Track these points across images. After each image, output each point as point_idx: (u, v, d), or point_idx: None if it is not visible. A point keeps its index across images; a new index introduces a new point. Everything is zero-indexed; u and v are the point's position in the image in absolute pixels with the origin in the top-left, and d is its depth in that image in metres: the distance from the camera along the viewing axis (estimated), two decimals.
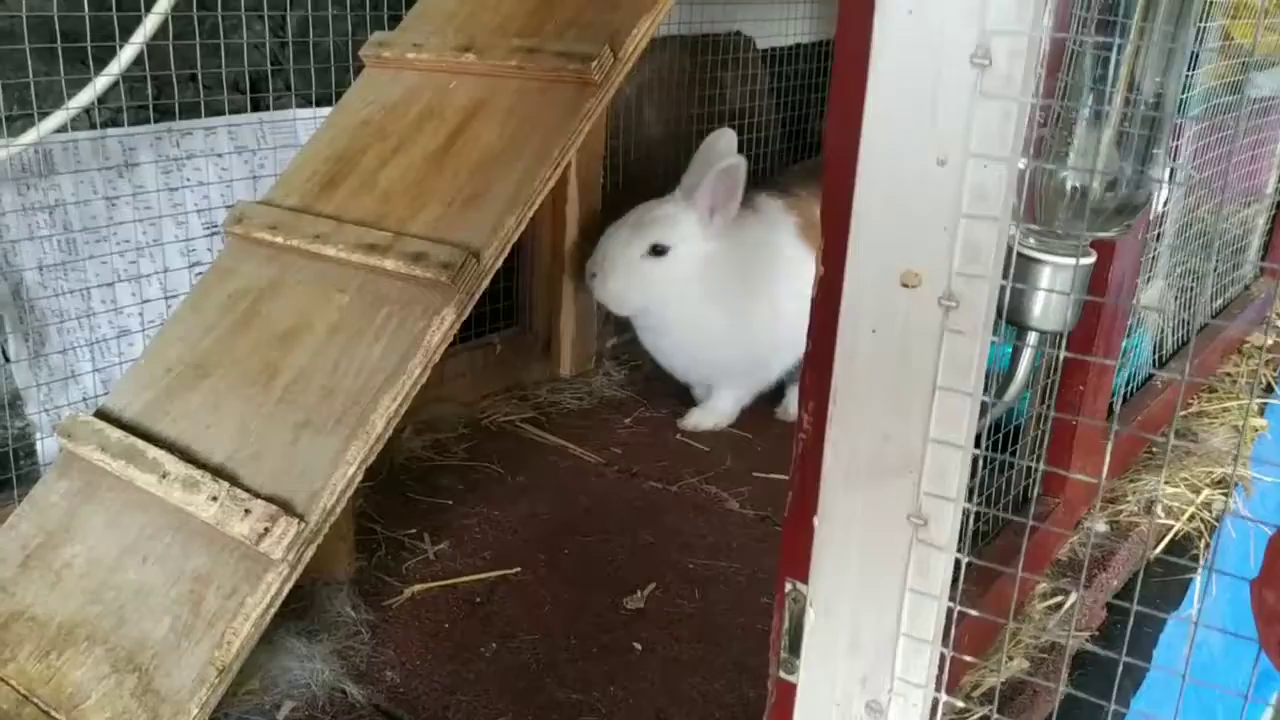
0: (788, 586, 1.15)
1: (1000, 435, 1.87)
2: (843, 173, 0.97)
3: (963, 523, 1.00)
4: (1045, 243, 1.39)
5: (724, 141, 2.51)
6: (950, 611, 1.05)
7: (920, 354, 0.97)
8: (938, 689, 1.06)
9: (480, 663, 1.69)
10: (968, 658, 1.06)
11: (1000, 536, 1.81)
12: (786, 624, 1.16)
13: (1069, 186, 1.29)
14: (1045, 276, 1.39)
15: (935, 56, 0.90)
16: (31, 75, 1.94)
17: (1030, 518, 1.84)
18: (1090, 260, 1.40)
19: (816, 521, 1.07)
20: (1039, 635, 1.87)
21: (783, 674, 1.18)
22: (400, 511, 2.12)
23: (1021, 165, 0.89)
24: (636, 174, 3.02)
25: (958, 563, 1.04)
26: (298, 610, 1.73)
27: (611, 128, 2.91)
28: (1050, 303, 1.42)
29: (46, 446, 2.13)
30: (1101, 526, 2.21)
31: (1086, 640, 1.98)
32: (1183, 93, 1.87)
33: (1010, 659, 1.80)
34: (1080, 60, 1.19)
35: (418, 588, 1.88)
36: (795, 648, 1.16)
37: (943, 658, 1.05)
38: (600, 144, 2.78)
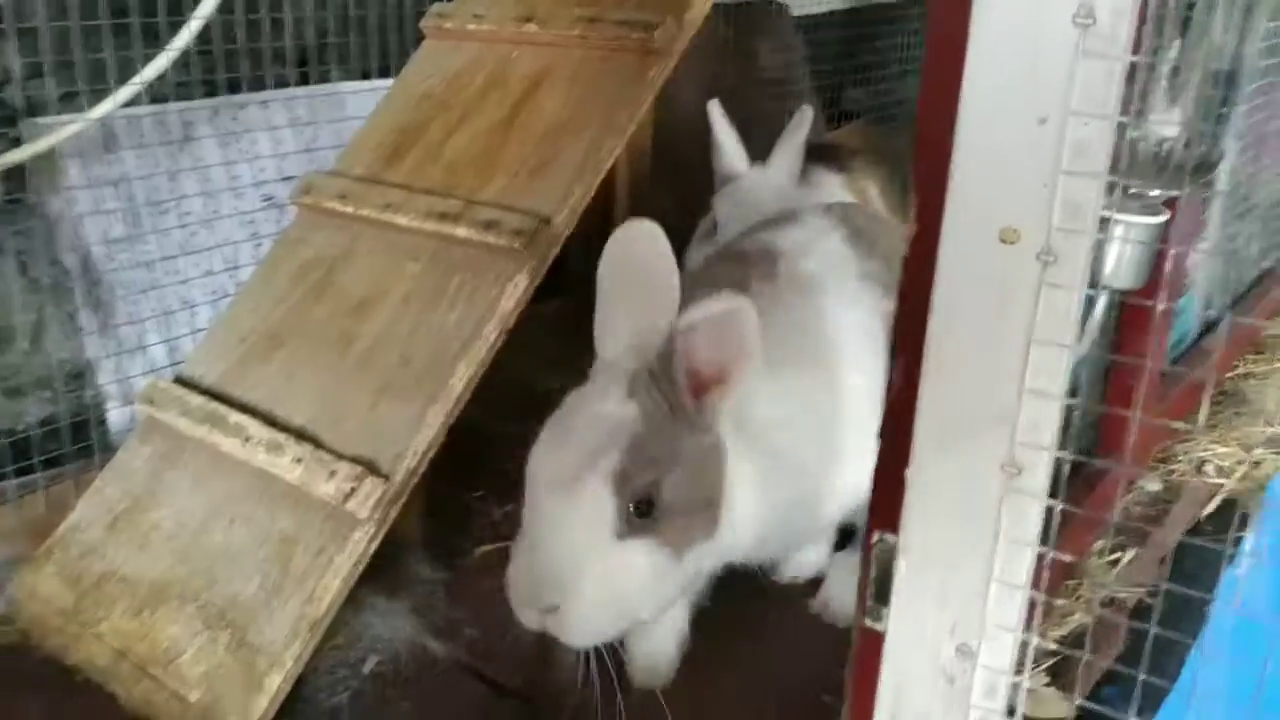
0: (875, 537, 1.18)
1: None
2: (939, 132, 1.00)
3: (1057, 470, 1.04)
4: (1118, 201, 1.41)
5: (716, 112, 2.53)
6: (1041, 557, 1.08)
7: (1017, 308, 0.99)
8: (1027, 631, 1.09)
9: None
10: (1059, 600, 1.09)
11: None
12: (874, 573, 1.20)
13: (1143, 145, 1.31)
14: (1118, 234, 1.42)
15: (1037, 15, 0.92)
16: (110, 51, 1.98)
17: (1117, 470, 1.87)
18: (1162, 219, 1.43)
19: (909, 474, 1.10)
20: (1099, 590, 1.90)
21: (869, 622, 1.21)
22: (464, 475, 2.16)
23: (1124, 121, 0.91)
24: (676, 142, 3.04)
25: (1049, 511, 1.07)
26: (376, 569, 1.76)
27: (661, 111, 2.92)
28: (1122, 260, 1.44)
29: (118, 416, 2.18)
30: (1155, 485, 2.24)
31: (1145, 594, 2.00)
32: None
33: (1072, 612, 1.84)
34: (1163, 20, 1.21)
35: (487, 548, 1.92)
36: (883, 596, 1.19)
37: (1032, 601, 1.09)
38: (649, 112, 2.80)
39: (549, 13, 1.94)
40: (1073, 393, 1.95)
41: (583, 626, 1.30)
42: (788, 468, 1.46)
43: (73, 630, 1.62)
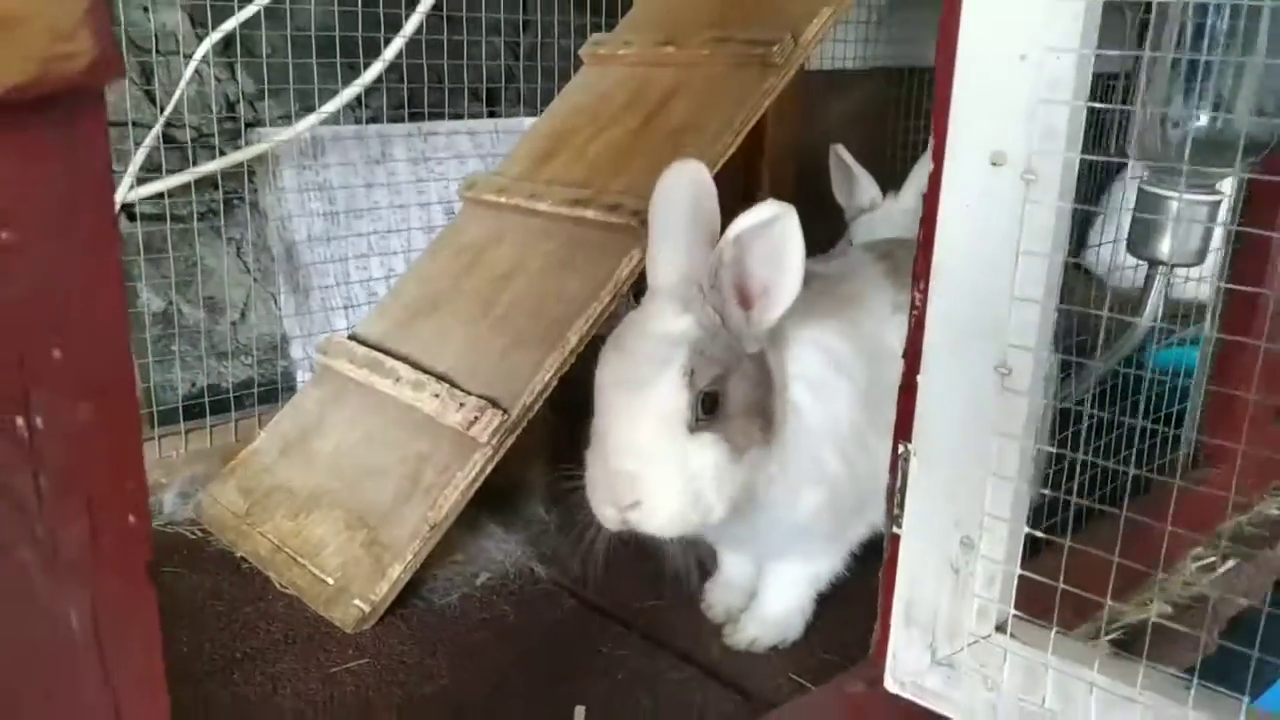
0: (900, 449, 1.33)
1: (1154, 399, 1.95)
2: (944, 72, 1.17)
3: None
4: (1171, 181, 1.53)
5: (843, 152, 2.76)
6: (1042, 456, 1.20)
7: (1006, 223, 1.15)
8: (1022, 522, 1.22)
9: (653, 563, 1.91)
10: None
11: (1154, 494, 1.86)
12: (898, 483, 1.34)
13: (1170, 125, 1.43)
14: (1172, 214, 1.53)
15: None
16: (315, 72, 2.35)
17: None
18: (1217, 198, 1.53)
19: (919, 380, 1.25)
20: (1186, 587, 1.93)
21: (894, 529, 1.35)
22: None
23: (1089, 53, 1.06)
24: (825, 186, 3.22)
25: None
26: (497, 506, 2.01)
27: (811, 151, 3.12)
28: (1177, 239, 1.55)
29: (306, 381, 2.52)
30: (1273, 510, 2.23)
31: (1245, 607, 2.00)
32: None
33: (1148, 603, 1.88)
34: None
35: None
36: (904, 503, 1.33)
37: (1026, 496, 1.21)
38: (791, 152, 3.02)
39: (685, 36, 2.20)
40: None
41: (664, 514, 1.39)
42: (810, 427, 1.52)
43: (243, 529, 1.92)
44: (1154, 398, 1.97)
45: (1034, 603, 1.27)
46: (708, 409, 1.40)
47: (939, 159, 1.21)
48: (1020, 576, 1.26)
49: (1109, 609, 1.83)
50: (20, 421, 0.62)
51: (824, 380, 1.54)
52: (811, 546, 1.68)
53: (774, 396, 1.48)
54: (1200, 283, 2.17)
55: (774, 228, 1.39)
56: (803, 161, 3.10)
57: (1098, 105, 1.09)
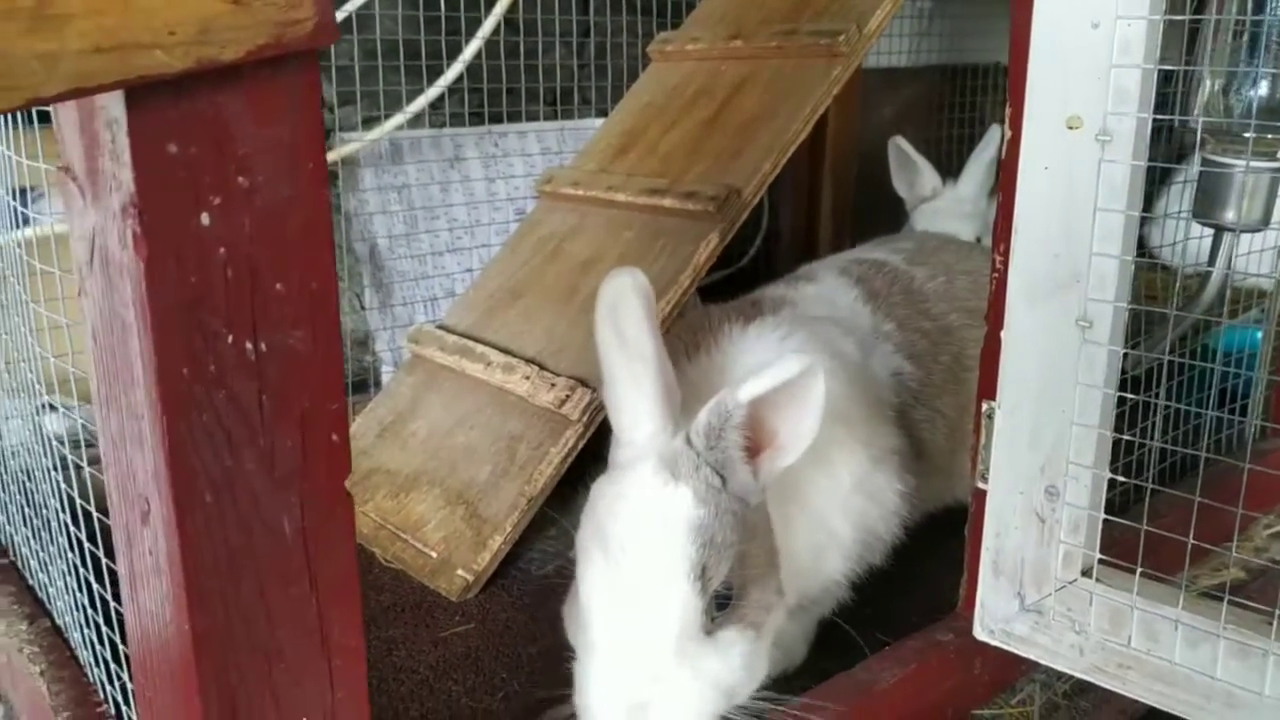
0: (984, 406, 1.40)
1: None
2: (1021, 46, 1.25)
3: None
4: (1236, 149, 1.59)
5: (904, 143, 2.92)
6: (1126, 405, 1.27)
7: (1083, 182, 1.22)
8: (1105, 468, 1.28)
9: None
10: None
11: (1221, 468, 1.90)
12: (983, 440, 1.41)
13: (1225, 89, 1.50)
14: (1236, 180, 1.59)
15: None
16: (403, 84, 2.46)
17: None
18: (1275, 165, 1.59)
19: (1003, 334, 1.33)
20: (1259, 553, 1.98)
21: (979, 484, 1.42)
22: None
23: (1157, 18, 1.13)
24: (885, 180, 3.30)
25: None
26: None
27: (868, 147, 3.21)
28: (1244, 205, 1.61)
29: (390, 376, 2.63)
30: None
31: None
32: None
33: (1223, 568, 1.93)
34: None
35: None
36: (989, 459, 1.40)
37: (1113, 442, 1.27)
38: (854, 148, 3.10)
39: (753, 30, 2.29)
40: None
41: None
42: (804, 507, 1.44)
43: None
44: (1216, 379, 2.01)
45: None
46: (722, 604, 1.20)
47: (1016, 125, 1.29)
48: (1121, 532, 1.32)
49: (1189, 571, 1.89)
50: (249, 345, 0.72)
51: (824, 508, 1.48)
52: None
53: (773, 538, 1.33)
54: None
55: (799, 383, 1.20)
56: (861, 158, 3.18)
57: (1167, 68, 1.15)
